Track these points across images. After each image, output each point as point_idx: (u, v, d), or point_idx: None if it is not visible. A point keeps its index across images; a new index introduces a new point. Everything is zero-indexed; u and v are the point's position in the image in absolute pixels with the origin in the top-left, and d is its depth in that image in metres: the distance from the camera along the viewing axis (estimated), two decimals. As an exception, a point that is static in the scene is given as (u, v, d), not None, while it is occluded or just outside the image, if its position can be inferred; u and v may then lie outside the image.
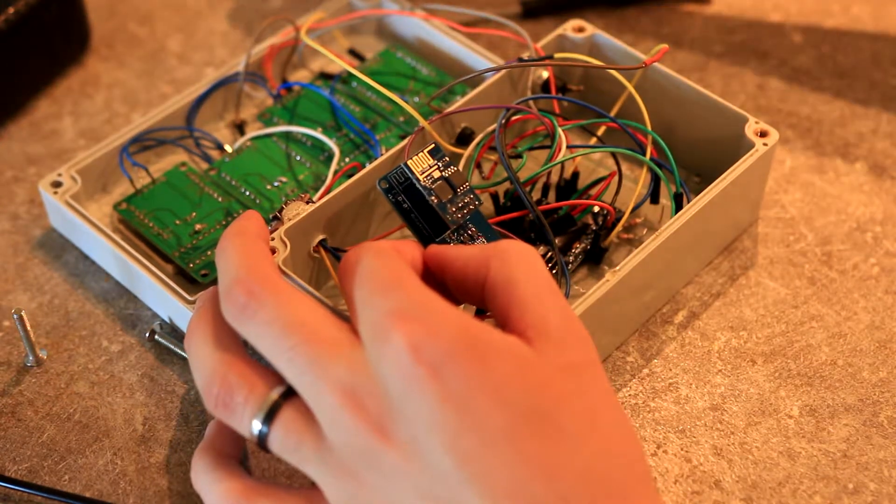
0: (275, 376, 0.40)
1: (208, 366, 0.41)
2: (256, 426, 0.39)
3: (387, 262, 0.39)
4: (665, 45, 0.55)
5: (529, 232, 0.52)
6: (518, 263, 0.40)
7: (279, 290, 0.40)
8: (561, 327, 0.39)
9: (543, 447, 0.36)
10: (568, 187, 0.56)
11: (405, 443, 0.36)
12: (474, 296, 0.41)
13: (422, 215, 0.48)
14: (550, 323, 0.39)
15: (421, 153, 0.48)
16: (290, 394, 0.39)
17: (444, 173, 0.48)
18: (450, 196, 0.48)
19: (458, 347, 0.36)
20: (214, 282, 0.53)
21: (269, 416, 0.39)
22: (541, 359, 0.37)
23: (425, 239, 0.48)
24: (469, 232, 0.48)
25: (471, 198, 0.48)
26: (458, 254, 0.42)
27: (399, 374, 0.36)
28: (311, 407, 0.38)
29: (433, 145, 0.48)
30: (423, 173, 0.47)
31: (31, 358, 0.52)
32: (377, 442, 0.37)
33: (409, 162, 0.47)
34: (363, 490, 0.37)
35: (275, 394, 0.39)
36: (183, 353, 0.52)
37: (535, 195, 0.55)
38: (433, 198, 0.47)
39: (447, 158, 0.48)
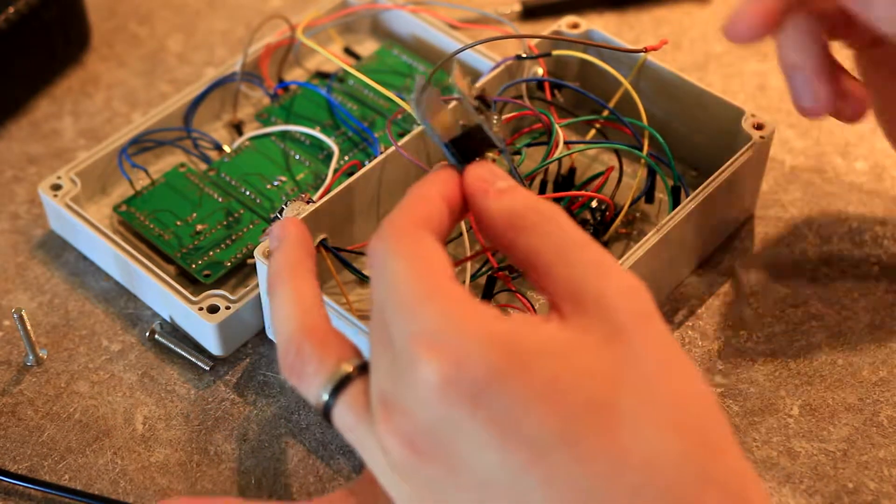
0: (351, 347, 0.39)
1: (288, 330, 0.39)
2: (323, 396, 0.38)
3: (413, 265, 0.36)
4: (666, 39, 0.55)
5: None
6: (532, 226, 0.38)
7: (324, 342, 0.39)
8: (595, 290, 0.36)
9: (604, 439, 0.34)
10: (565, 183, 0.56)
11: (446, 458, 0.35)
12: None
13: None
14: (582, 289, 0.36)
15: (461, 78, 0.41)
16: (365, 369, 0.38)
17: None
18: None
19: (493, 370, 0.34)
20: (215, 282, 0.53)
21: (336, 390, 0.38)
22: (582, 339, 0.35)
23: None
24: None
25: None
26: (479, 214, 0.39)
27: (434, 404, 0.34)
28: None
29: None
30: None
31: (31, 357, 0.52)
32: (412, 458, 0.35)
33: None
34: (414, 490, 0.36)
35: (348, 366, 0.38)
36: (183, 353, 0.52)
37: (534, 192, 0.55)
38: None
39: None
